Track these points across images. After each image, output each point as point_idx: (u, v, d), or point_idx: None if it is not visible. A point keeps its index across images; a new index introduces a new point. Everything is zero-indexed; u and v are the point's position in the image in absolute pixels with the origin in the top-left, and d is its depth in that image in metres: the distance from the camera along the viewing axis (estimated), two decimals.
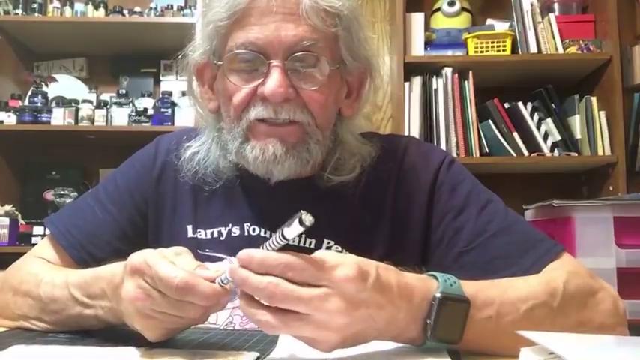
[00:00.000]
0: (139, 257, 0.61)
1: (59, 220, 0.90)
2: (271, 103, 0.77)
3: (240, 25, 0.78)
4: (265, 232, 0.85)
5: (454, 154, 2.20)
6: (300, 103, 0.78)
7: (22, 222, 2.35)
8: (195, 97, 0.89)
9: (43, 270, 0.81)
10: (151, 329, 0.62)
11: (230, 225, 0.87)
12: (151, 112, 2.38)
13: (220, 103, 0.85)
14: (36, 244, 2.22)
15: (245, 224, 0.86)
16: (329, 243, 0.84)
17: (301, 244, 0.83)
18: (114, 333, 0.71)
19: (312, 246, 0.83)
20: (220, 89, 0.83)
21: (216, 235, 0.87)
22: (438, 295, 0.60)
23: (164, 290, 0.58)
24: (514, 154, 2.25)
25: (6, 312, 0.81)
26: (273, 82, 0.76)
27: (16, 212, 2.34)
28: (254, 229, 0.86)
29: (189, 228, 0.88)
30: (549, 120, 2.29)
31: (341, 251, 0.83)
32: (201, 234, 0.87)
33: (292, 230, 0.53)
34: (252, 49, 0.77)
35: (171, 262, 0.60)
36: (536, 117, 2.31)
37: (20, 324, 0.78)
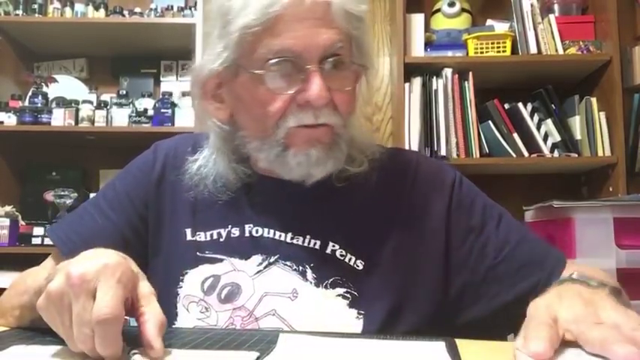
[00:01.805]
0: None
1: (60, 228, 0.91)
2: (311, 109, 0.77)
3: (273, 32, 0.76)
4: (269, 233, 0.84)
5: (454, 155, 2.20)
6: (332, 106, 0.79)
7: (22, 222, 2.35)
8: (205, 106, 0.87)
9: (42, 269, 0.82)
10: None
11: (229, 226, 0.86)
12: (151, 112, 2.38)
13: (242, 111, 0.83)
14: (36, 244, 2.24)
15: (246, 225, 0.86)
16: (334, 246, 0.83)
17: (305, 243, 0.83)
18: None
19: (317, 247, 0.83)
20: (247, 98, 0.81)
21: (215, 237, 0.86)
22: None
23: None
24: (514, 155, 2.25)
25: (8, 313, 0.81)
26: (317, 87, 0.76)
27: (16, 213, 2.34)
28: (257, 231, 0.85)
29: (188, 231, 0.87)
30: (549, 121, 2.29)
31: (344, 255, 0.83)
32: (200, 236, 0.87)
33: None
34: (288, 56, 0.76)
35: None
36: (536, 118, 2.31)
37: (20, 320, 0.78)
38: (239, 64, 0.79)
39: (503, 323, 0.81)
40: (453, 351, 0.63)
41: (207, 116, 0.87)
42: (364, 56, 0.84)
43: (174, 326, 0.82)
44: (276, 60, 0.76)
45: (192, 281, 0.84)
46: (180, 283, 0.84)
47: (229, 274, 0.83)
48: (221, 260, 0.84)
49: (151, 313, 0.59)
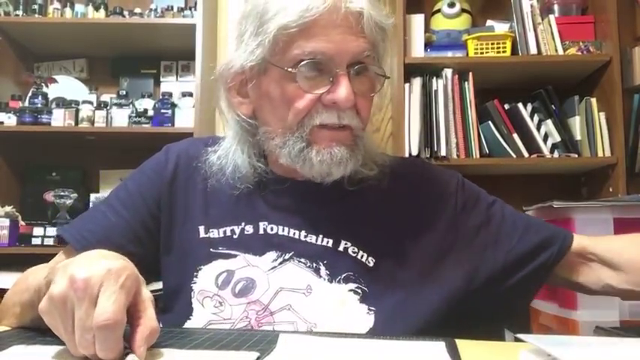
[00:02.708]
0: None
1: (72, 227, 0.92)
2: (336, 110, 0.82)
3: (308, 35, 0.81)
4: (283, 230, 0.87)
5: (454, 155, 2.20)
6: (355, 110, 0.84)
7: (22, 223, 2.34)
8: (229, 100, 0.91)
9: (43, 268, 0.82)
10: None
11: (243, 224, 0.89)
12: (151, 113, 2.37)
13: (267, 107, 0.87)
14: (36, 245, 2.24)
15: (261, 223, 0.88)
16: (346, 244, 0.86)
17: (318, 242, 0.86)
18: None
19: (330, 245, 0.86)
20: (275, 94, 0.85)
21: (228, 233, 0.89)
22: None
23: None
24: (514, 155, 2.25)
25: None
26: (345, 89, 0.81)
27: (16, 213, 2.34)
28: (272, 228, 0.88)
29: (201, 229, 0.90)
30: (549, 121, 2.29)
31: (357, 252, 0.86)
32: (214, 233, 0.89)
33: None
34: (320, 58, 0.81)
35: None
36: (536, 118, 2.31)
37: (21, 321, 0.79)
38: (270, 62, 0.84)
39: (507, 310, 0.91)
40: (453, 351, 0.63)
41: (231, 110, 0.91)
42: (383, 66, 0.89)
43: (188, 321, 0.85)
44: (309, 60, 0.81)
45: (206, 276, 0.86)
46: (195, 278, 0.86)
47: (243, 269, 0.86)
48: (235, 256, 0.86)
49: (146, 318, 0.59)
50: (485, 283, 0.88)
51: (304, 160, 0.84)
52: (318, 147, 0.83)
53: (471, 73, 2.25)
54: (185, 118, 2.33)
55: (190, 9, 2.46)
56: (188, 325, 0.84)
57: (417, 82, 2.26)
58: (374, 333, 0.80)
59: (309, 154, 0.83)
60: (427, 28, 2.41)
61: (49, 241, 2.24)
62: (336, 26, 0.80)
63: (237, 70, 0.87)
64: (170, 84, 2.61)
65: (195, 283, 0.86)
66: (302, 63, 0.81)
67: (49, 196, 2.45)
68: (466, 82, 2.26)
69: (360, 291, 0.83)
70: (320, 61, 0.81)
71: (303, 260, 0.85)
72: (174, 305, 0.87)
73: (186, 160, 0.94)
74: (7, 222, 2.25)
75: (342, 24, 0.81)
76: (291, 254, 0.85)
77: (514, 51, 2.30)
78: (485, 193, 0.97)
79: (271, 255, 0.86)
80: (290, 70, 0.81)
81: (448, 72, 2.26)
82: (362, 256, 0.86)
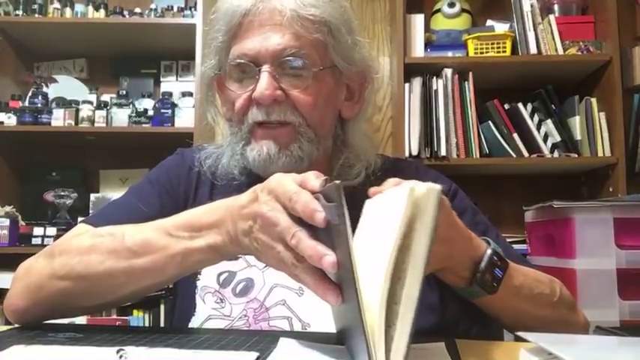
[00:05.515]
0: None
1: (98, 214, 0.92)
2: (264, 106, 0.85)
3: (237, 40, 0.87)
4: None
5: (454, 155, 2.20)
6: (290, 105, 0.86)
7: (22, 223, 2.34)
8: (209, 104, 0.97)
9: (109, 230, 0.77)
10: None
11: None
12: (151, 113, 2.37)
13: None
14: (36, 245, 2.24)
15: None
16: None
17: None
18: (114, 333, 0.71)
19: None
20: (226, 98, 0.91)
21: None
22: (492, 247, 0.72)
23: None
24: (514, 155, 2.25)
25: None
26: (262, 85, 0.84)
27: (16, 213, 2.34)
28: None
29: None
30: (549, 121, 2.29)
31: None
32: None
33: None
34: (245, 59, 0.86)
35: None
36: (536, 118, 2.31)
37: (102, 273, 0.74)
38: (222, 70, 0.90)
39: None
40: (453, 351, 0.63)
41: (217, 112, 0.97)
42: (353, 61, 0.90)
43: (193, 318, 0.86)
44: (235, 63, 0.87)
45: (209, 274, 0.88)
46: (199, 275, 0.88)
47: (244, 270, 0.88)
48: (236, 258, 0.88)
49: None
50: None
51: (245, 158, 0.89)
52: (252, 145, 0.87)
53: (470, 73, 2.25)
54: (185, 118, 2.33)
55: (190, 9, 2.46)
56: (193, 320, 0.86)
57: (417, 82, 2.26)
58: None
59: (246, 152, 0.88)
60: (427, 28, 2.41)
61: (49, 241, 2.24)
62: (260, 26, 0.85)
63: (205, 78, 0.94)
64: (170, 84, 2.61)
65: (199, 280, 0.88)
66: (230, 66, 0.87)
67: (49, 196, 2.46)
68: (466, 82, 2.26)
69: None
70: (245, 63, 0.85)
71: None
72: (181, 303, 0.89)
73: (191, 167, 0.97)
74: (7, 222, 2.25)
75: (266, 23, 0.84)
76: None
77: (514, 51, 2.29)
78: (476, 211, 0.95)
79: None
80: (226, 74, 0.88)
81: (448, 72, 2.26)
82: None
